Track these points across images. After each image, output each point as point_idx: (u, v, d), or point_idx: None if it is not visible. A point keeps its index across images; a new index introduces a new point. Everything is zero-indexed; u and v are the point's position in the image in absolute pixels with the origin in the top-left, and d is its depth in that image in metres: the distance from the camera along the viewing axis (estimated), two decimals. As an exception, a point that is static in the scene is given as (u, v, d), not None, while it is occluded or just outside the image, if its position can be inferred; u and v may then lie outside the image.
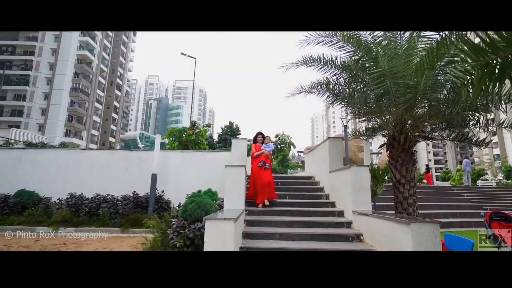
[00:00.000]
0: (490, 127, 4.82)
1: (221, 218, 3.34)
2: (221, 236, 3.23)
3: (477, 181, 27.14)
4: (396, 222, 3.33)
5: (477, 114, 4.53)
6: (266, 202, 5.48)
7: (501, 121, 4.78)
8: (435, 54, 3.62)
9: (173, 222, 4.09)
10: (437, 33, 3.54)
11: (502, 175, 32.04)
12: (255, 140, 6.28)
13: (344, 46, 4.70)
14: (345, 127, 13.95)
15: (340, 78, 5.38)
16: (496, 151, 50.18)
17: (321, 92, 5.60)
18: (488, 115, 4.78)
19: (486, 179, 30.71)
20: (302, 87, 5.74)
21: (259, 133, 6.29)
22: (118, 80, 48.00)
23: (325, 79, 5.50)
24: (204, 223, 3.82)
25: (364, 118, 5.77)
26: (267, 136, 6.30)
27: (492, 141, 49.78)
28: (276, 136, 30.89)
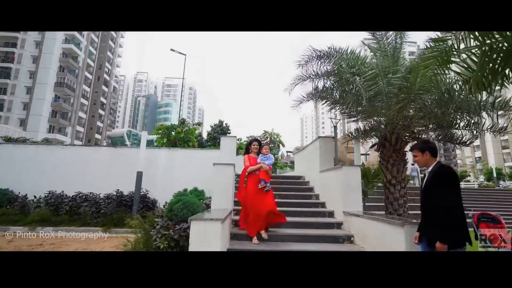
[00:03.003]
0: (477, 130, 4.83)
1: (208, 219, 3.16)
2: (207, 238, 3.05)
3: (460, 183, 27.88)
4: (389, 223, 3.24)
5: (467, 116, 4.53)
6: (264, 236, 4.03)
7: (489, 125, 4.81)
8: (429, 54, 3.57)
9: (157, 223, 3.88)
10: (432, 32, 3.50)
11: (484, 177, 33.18)
12: (247, 149, 4.60)
13: None
14: (335, 127, 13.97)
15: (334, 83, 5.43)
16: (478, 153, 51.86)
17: (313, 98, 5.68)
18: (473, 119, 4.80)
19: (468, 181, 31.72)
20: (303, 96, 5.84)
21: (255, 140, 4.70)
22: (105, 75, 46.73)
23: (315, 85, 5.59)
24: (190, 223, 3.65)
25: (356, 118, 5.74)
26: (265, 144, 4.68)
27: (474, 145, 51.46)
28: (264, 133, 30.23)
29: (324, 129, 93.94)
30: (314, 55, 5.02)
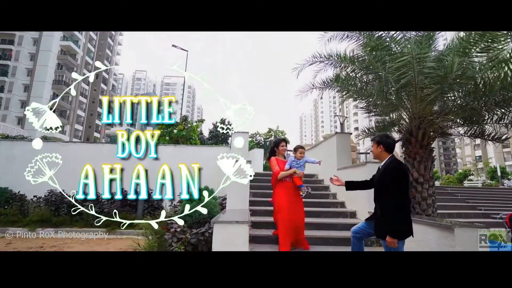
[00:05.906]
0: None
1: (233, 222, 2.84)
2: (232, 242, 2.72)
3: (463, 181, 27.79)
4: (432, 226, 2.92)
5: (504, 109, 4.21)
6: None
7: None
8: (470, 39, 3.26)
9: (172, 225, 3.55)
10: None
11: (486, 176, 33.08)
12: (273, 151, 3.92)
13: None
14: (342, 124, 13.69)
15: (352, 72, 5.14)
16: (478, 152, 51.74)
17: (332, 87, 5.40)
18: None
19: (471, 180, 31.60)
20: (313, 84, 5.56)
21: (283, 140, 4.00)
22: (104, 73, 46.22)
23: (334, 73, 5.33)
24: (207, 226, 3.34)
25: (375, 113, 5.45)
26: (300, 147, 3.86)
27: (475, 143, 51.36)
28: (269, 132, 29.10)
29: (324, 128, 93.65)
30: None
